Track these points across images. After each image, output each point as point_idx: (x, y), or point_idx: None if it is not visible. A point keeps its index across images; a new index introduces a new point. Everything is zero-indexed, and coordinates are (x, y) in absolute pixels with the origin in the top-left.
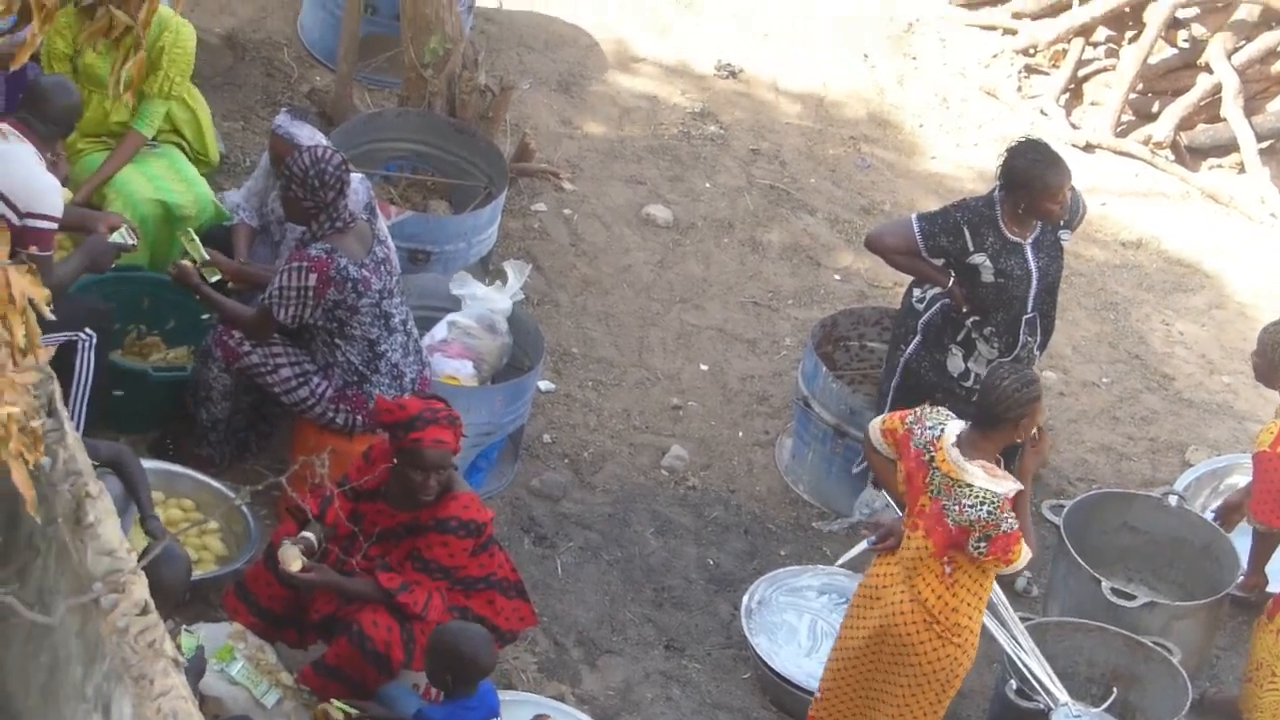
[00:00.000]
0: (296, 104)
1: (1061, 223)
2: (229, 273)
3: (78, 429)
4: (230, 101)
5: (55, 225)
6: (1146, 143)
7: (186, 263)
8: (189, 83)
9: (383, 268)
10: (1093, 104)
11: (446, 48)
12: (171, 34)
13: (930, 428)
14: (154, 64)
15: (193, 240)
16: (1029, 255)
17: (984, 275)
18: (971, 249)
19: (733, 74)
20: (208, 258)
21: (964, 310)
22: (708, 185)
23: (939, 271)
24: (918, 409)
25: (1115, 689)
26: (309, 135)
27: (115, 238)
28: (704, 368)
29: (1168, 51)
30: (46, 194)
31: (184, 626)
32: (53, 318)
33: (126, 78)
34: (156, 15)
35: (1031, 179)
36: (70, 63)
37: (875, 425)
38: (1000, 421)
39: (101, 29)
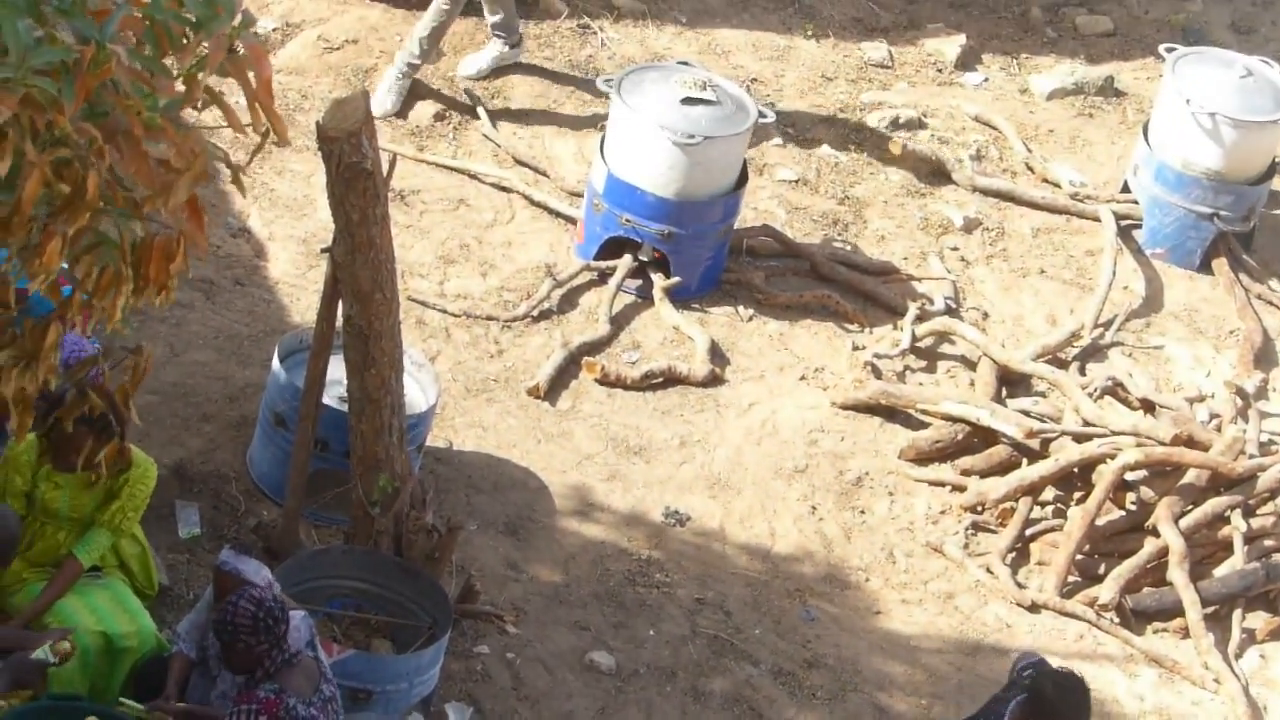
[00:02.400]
0: (242, 538)
1: None
2: (176, 717)
3: None
4: (176, 533)
5: None
6: (1091, 604)
7: None
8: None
9: (330, 706)
10: (1039, 563)
11: (395, 486)
12: (138, 469)
13: None
14: (112, 494)
15: (133, 707)
16: None
17: None
18: None
19: (680, 522)
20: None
21: None
22: (651, 633)
23: None
24: None
25: None
26: (254, 570)
27: (38, 654)
28: None
29: (1115, 513)
30: None
31: None
32: None
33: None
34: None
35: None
36: (25, 497)
37: None
38: None
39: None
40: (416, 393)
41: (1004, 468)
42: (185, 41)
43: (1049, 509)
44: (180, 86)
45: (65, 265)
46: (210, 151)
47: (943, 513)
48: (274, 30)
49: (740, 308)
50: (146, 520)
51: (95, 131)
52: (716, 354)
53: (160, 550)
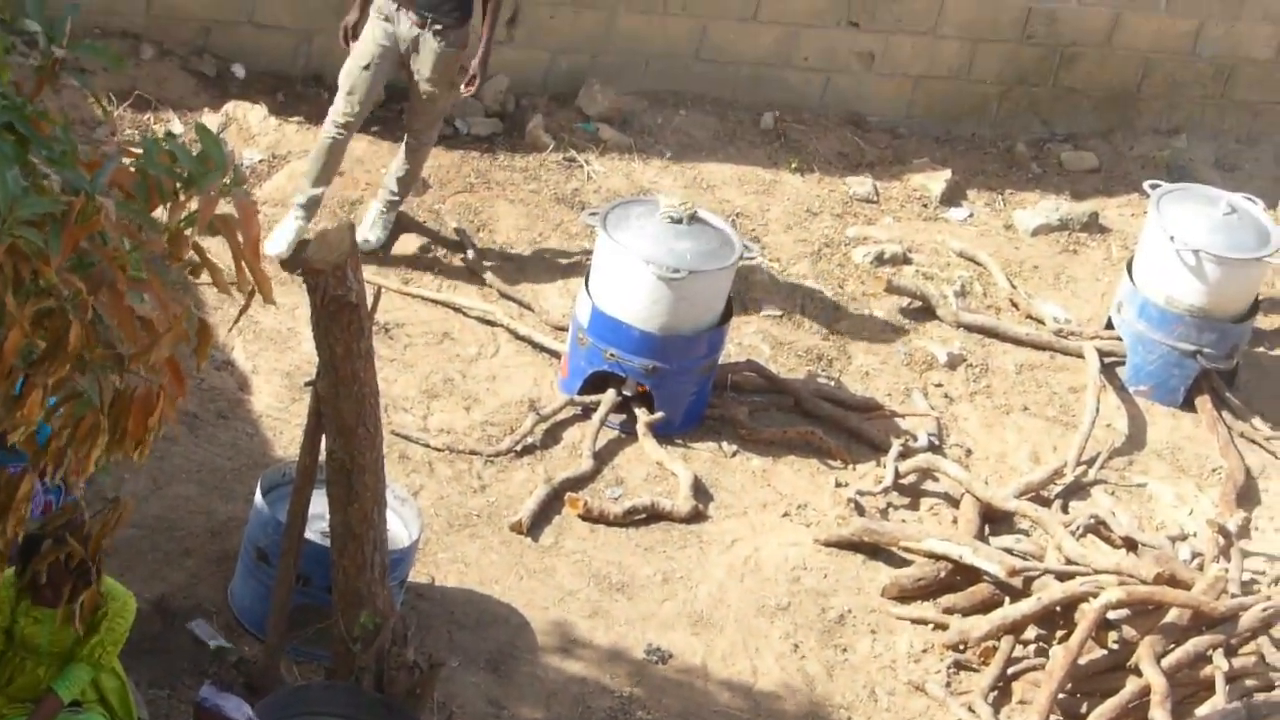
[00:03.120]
0: (223, 674)
1: None
2: None
3: None
4: (157, 668)
5: None
6: None
7: None
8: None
9: None
10: (1021, 702)
11: (377, 623)
12: (118, 603)
13: None
14: (92, 628)
15: None
16: None
17: None
18: None
19: (663, 660)
20: None
21: None
22: None
23: None
24: None
25: None
26: (235, 706)
27: None
28: None
29: (1098, 652)
30: None
31: None
32: None
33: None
34: (106, 584)
35: None
36: (5, 633)
37: None
38: None
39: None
40: (399, 528)
41: (986, 606)
42: (177, 196)
43: (1031, 648)
44: (166, 243)
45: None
46: (192, 313)
47: (925, 651)
48: (260, 162)
49: (724, 443)
50: (126, 654)
51: (80, 284)
52: (700, 490)
53: (140, 685)
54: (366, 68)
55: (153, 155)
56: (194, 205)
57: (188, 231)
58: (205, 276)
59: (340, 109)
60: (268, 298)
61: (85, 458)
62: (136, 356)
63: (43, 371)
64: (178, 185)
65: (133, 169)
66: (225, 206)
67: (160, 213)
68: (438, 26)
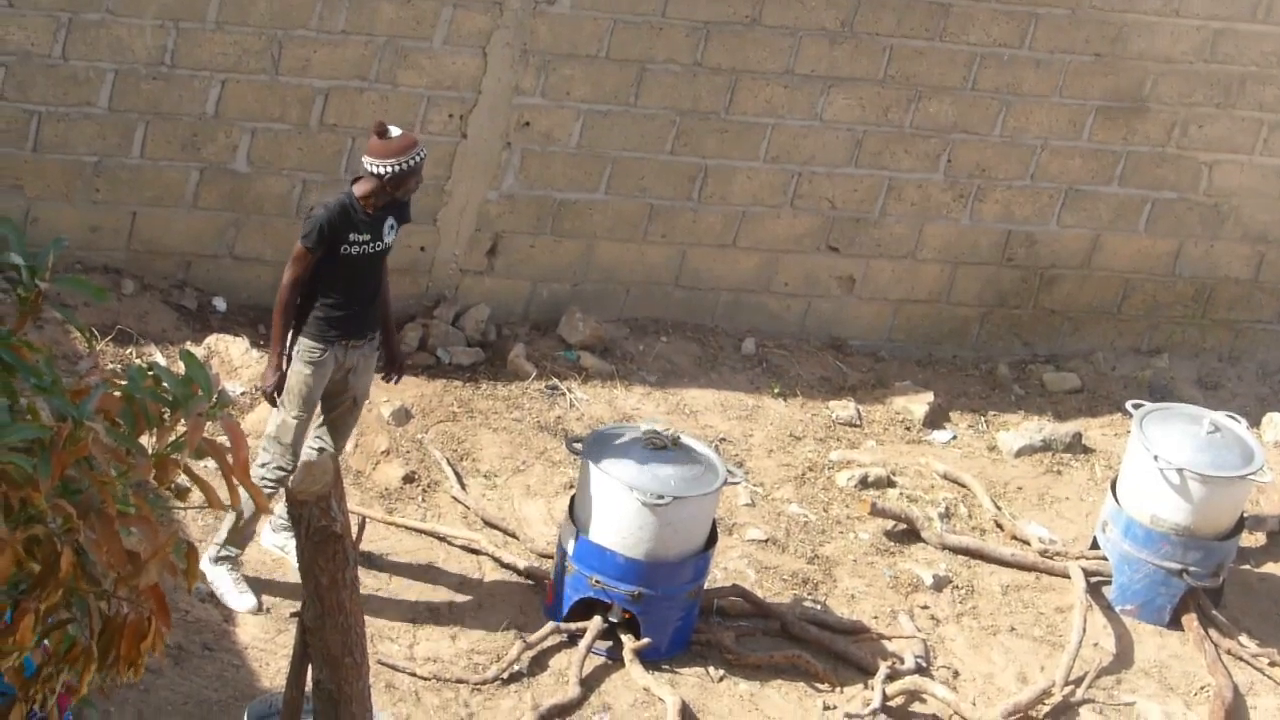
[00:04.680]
0: None
1: None
2: None
3: None
4: None
5: None
6: None
7: None
8: None
9: None
10: None
11: None
12: None
13: None
14: None
15: None
16: None
17: None
18: None
19: None
20: None
21: None
22: None
23: None
24: None
25: None
26: None
27: None
28: None
29: None
30: None
31: None
32: None
33: None
34: None
35: None
36: None
37: None
38: None
39: None
40: None
41: None
42: (163, 420)
43: None
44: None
45: None
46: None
47: None
48: (242, 394)
49: (711, 668)
50: None
51: (70, 509)
52: (687, 715)
53: None
54: (299, 416)
55: (138, 381)
56: (181, 429)
57: (174, 456)
58: (190, 500)
59: (277, 463)
60: (264, 510)
61: (80, 682)
62: (122, 581)
63: (34, 598)
64: (164, 410)
65: (118, 395)
66: (212, 430)
67: (147, 439)
68: (372, 335)
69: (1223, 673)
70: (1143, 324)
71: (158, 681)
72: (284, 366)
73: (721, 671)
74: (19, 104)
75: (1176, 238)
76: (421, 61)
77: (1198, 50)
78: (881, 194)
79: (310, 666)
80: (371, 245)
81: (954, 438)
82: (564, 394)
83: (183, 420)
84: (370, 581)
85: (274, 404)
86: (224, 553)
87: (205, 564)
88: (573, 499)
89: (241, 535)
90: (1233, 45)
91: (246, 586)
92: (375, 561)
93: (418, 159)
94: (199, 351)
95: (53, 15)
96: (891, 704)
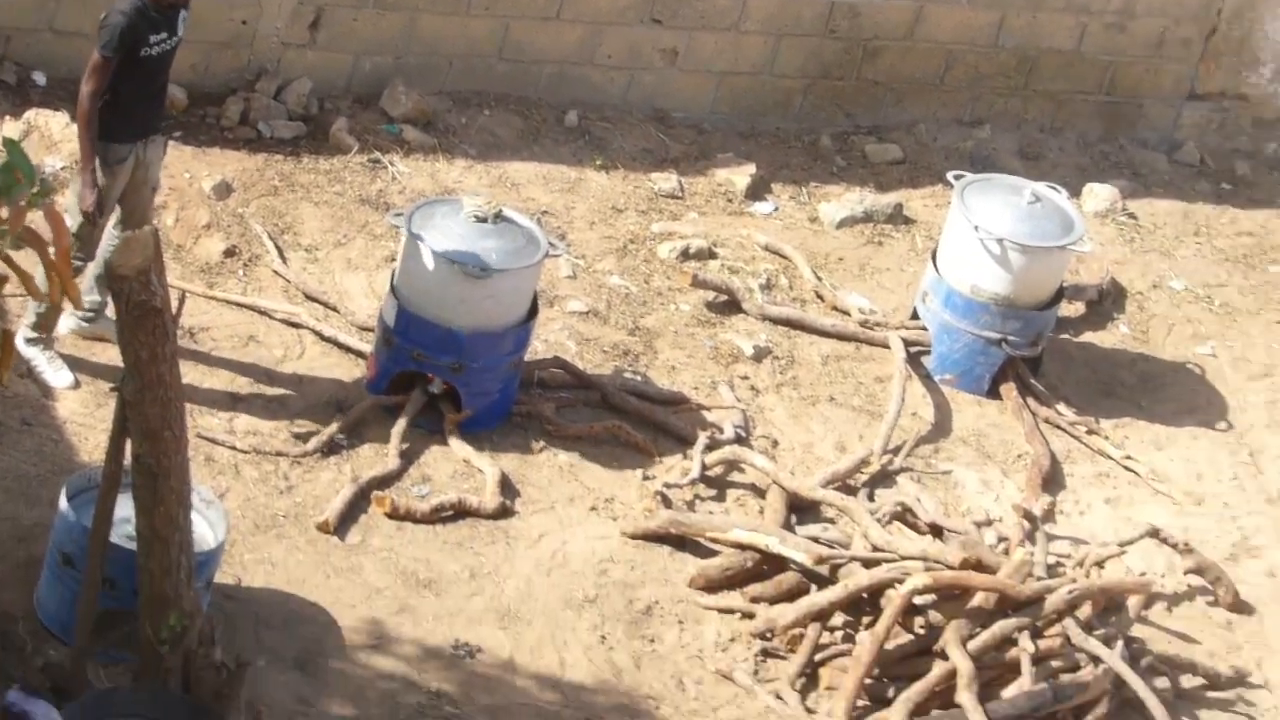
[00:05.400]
0: (30, 679)
1: None
2: None
3: None
4: None
5: None
6: None
7: None
8: None
9: None
10: (829, 688)
11: (183, 624)
12: None
13: None
14: None
15: None
16: None
17: None
18: None
19: (470, 654)
20: None
21: None
22: None
23: None
24: None
25: None
26: (43, 712)
27: None
28: None
29: (904, 637)
30: None
31: None
32: None
33: None
34: None
35: None
36: None
37: None
38: None
39: None
40: (205, 530)
41: (793, 594)
42: None
43: (839, 634)
44: None
45: None
46: None
47: (732, 640)
48: (63, 168)
49: (531, 440)
50: None
51: None
52: (507, 486)
53: None
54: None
55: None
56: (2, 215)
57: None
58: (7, 289)
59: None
60: (77, 305)
61: None
62: None
63: None
64: None
65: None
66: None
67: None
68: (165, 124)
69: (1040, 440)
70: (965, 95)
71: None
72: (99, 181)
73: (541, 443)
74: None
75: (999, 9)
76: None
77: None
78: None
79: (129, 440)
80: (168, 41)
81: (776, 209)
82: (386, 167)
83: (4, 208)
84: (190, 356)
85: (94, 223)
86: (35, 335)
87: (19, 343)
88: (394, 272)
89: (50, 321)
90: None
91: (62, 364)
92: (195, 336)
93: None
94: (18, 126)
95: None
96: (710, 474)
